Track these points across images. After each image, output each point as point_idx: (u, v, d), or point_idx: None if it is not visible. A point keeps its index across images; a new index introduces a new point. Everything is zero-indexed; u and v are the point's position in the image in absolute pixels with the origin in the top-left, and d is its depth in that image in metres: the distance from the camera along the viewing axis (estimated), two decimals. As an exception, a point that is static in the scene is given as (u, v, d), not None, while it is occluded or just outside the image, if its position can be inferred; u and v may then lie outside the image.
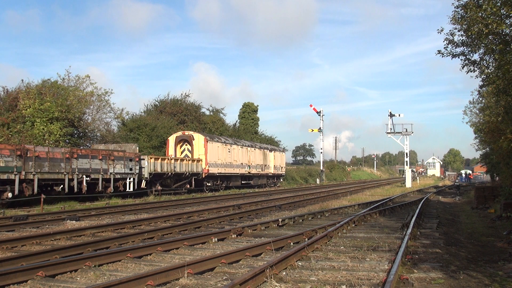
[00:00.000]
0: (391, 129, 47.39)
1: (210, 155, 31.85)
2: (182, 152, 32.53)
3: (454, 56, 13.49)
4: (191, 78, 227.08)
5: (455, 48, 13.43)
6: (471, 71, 13.59)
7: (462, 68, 13.60)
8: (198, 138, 32.15)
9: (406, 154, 47.74)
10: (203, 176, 31.39)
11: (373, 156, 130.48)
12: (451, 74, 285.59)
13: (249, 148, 38.42)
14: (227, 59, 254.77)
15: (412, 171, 54.60)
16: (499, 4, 11.47)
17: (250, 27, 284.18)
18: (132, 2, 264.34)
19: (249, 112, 59.17)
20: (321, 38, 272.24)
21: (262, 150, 41.29)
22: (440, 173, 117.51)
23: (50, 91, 28.97)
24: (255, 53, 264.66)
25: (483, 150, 38.06)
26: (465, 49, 13.35)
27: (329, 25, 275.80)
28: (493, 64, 13.16)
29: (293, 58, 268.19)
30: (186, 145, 32.57)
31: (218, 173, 33.07)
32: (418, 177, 68.23)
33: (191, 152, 32.01)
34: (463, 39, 13.11)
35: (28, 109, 27.07)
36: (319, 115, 58.14)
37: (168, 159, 27.79)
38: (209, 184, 32.51)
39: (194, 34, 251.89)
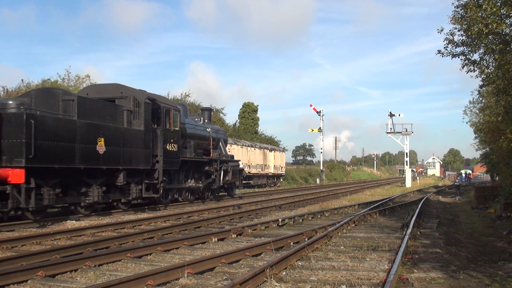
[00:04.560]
0: (391, 129, 47.39)
1: (210, 155, 31.77)
2: (182, 152, 32.45)
3: (454, 56, 13.49)
4: (188, 78, 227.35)
5: (455, 48, 13.43)
6: (471, 71, 13.60)
7: (462, 68, 13.61)
8: (198, 138, 32.07)
9: (406, 154, 47.74)
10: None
11: (373, 156, 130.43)
12: (449, 74, 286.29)
13: (249, 148, 38.41)
14: (224, 58, 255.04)
15: (412, 171, 54.59)
16: (499, 4, 11.47)
17: (247, 27, 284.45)
18: (126, 1, 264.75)
19: (249, 112, 59.12)
20: (322, 37, 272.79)
21: (262, 150, 41.29)
22: (440, 173, 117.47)
23: (50, 91, 28.93)
24: (253, 52, 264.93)
25: (483, 150, 38.05)
26: (465, 49, 13.34)
27: (331, 24, 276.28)
28: (493, 64, 13.16)
29: (293, 58, 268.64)
30: (186, 145, 32.50)
31: (218, 173, 33.00)
32: (418, 177, 68.21)
33: (191, 152, 31.91)
34: (463, 39, 13.11)
35: (28, 109, 27.03)
36: (319, 115, 58.10)
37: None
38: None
39: (191, 34, 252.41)
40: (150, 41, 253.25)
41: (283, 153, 48.22)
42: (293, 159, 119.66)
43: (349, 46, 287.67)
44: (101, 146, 14.32)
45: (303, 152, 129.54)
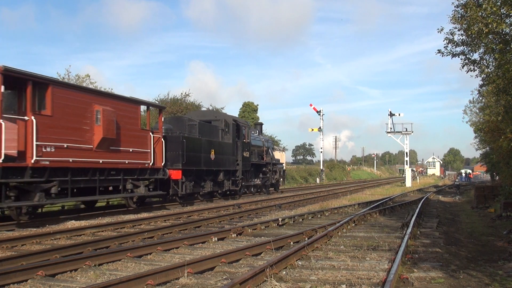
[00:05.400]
0: (391, 128, 47.34)
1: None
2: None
3: (454, 55, 13.50)
4: (187, 77, 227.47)
5: (455, 47, 13.45)
6: (471, 71, 13.61)
7: (462, 67, 13.62)
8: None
9: (406, 153, 47.71)
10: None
11: (373, 155, 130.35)
12: (449, 73, 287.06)
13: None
14: (224, 58, 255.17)
15: (412, 170, 54.56)
16: (499, 3, 11.47)
17: (247, 26, 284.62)
18: (125, 0, 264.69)
19: (249, 111, 59.18)
20: (322, 37, 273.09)
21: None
22: (440, 173, 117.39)
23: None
24: (252, 52, 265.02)
25: (483, 150, 38.05)
26: (465, 48, 13.36)
27: (331, 24, 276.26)
28: (493, 64, 13.17)
29: (293, 57, 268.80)
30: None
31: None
32: (418, 177, 68.20)
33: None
34: (463, 39, 13.12)
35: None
36: (319, 114, 58.09)
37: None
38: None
39: (190, 33, 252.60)
40: (150, 41, 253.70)
41: (283, 152, 48.25)
42: (293, 158, 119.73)
43: (349, 45, 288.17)
44: (212, 155, 21.27)
45: (303, 151, 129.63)
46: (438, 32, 13.33)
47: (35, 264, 6.92)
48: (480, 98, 28.72)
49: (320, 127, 58.01)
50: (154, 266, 7.29)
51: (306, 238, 9.78)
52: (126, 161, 15.92)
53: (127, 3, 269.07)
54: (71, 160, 13.50)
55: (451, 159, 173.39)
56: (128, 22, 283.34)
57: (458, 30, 13.05)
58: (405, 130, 46.81)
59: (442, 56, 13.58)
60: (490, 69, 13.41)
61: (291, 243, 9.50)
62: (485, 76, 13.75)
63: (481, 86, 15.92)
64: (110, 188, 16.13)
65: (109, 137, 14.82)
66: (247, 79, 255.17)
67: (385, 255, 8.42)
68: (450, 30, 13.29)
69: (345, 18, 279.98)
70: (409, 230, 10.57)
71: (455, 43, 13.33)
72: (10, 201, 12.02)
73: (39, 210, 13.92)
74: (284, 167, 33.63)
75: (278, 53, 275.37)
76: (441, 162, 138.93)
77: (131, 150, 16.14)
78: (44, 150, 12.63)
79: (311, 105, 58.93)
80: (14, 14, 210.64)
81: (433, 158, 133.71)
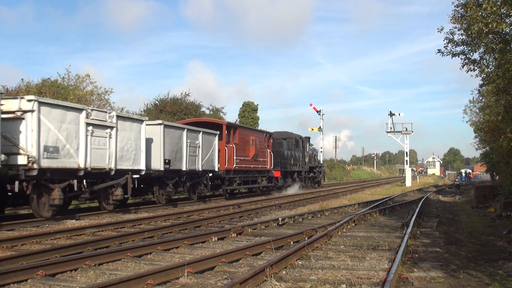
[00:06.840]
0: (391, 128, 47.30)
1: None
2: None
3: (454, 55, 13.50)
4: (186, 77, 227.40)
5: (455, 47, 13.45)
6: (471, 70, 13.61)
7: (462, 67, 13.62)
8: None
9: (406, 153, 47.68)
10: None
11: (373, 155, 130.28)
12: (449, 73, 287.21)
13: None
14: (223, 57, 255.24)
15: (412, 170, 54.51)
16: (499, 3, 11.48)
17: (246, 26, 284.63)
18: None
19: (249, 111, 59.01)
20: (323, 36, 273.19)
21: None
22: (440, 172, 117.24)
23: (50, 90, 28.95)
24: (252, 51, 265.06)
25: (483, 149, 38.01)
26: (465, 48, 13.36)
27: (331, 23, 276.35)
28: (493, 63, 13.17)
29: (293, 57, 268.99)
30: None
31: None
32: (418, 176, 68.16)
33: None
34: (463, 38, 13.12)
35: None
36: (319, 114, 58.02)
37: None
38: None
39: (190, 33, 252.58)
40: (149, 40, 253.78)
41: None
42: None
43: (349, 45, 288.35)
44: (292, 161, 32.25)
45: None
46: (438, 32, 13.34)
47: (35, 264, 6.92)
48: (480, 98, 28.73)
49: (320, 127, 57.93)
50: (154, 266, 7.29)
51: (306, 238, 9.78)
52: (260, 166, 26.85)
53: (126, 3, 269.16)
54: (243, 166, 24.87)
55: (451, 158, 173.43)
56: (127, 21, 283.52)
57: (458, 30, 13.06)
58: (405, 129, 46.78)
59: (442, 56, 13.59)
60: (490, 69, 13.41)
61: (291, 242, 9.50)
62: (485, 76, 13.74)
63: (481, 86, 15.90)
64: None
65: (256, 153, 25.90)
66: (246, 78, 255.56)
67: (385, 254, 8.42)
68: (450, 29, 13.30)
69: (345, 17, 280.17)
70: (409, 229, 10.57)
71: (455, 43, 13.34)
72: (225, 186, 23.56)
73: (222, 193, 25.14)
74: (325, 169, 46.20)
75: (278, 52, 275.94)
76: (441, 162, 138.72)
77: (261, 160, 27.01)
78: (236, 161, 23.89)
79: (311, 104, 59.03)
80: (13, 13, 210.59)
81: (433, 157, 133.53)
